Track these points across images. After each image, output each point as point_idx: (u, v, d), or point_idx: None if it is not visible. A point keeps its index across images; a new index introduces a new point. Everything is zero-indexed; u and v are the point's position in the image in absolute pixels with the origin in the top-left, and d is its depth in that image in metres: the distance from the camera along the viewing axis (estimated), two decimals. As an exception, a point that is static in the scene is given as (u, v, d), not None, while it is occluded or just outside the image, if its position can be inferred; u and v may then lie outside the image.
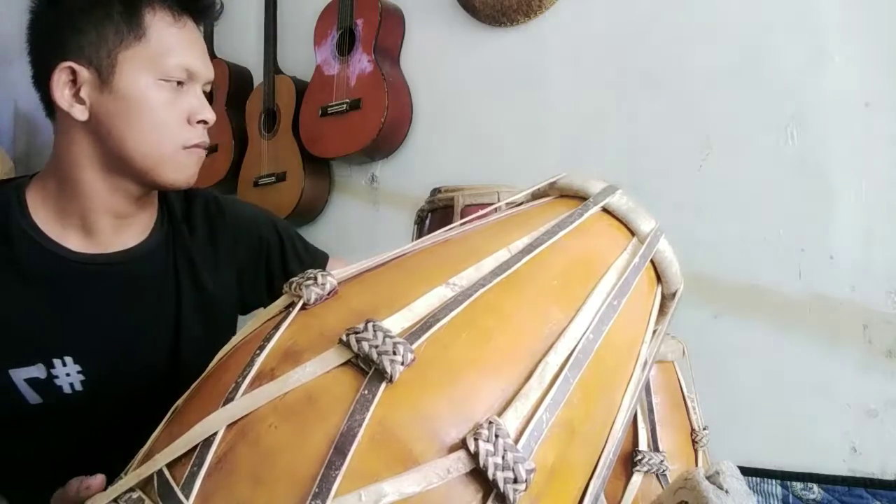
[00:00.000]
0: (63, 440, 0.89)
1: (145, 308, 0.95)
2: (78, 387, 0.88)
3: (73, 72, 0.85)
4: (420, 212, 1.25)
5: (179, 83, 0.88)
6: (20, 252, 0.86)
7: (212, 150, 1.92)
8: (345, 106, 1.90)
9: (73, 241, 0.90)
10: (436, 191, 1.22)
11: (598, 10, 1.65)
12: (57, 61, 0.85)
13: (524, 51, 1.75)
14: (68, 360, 0.87)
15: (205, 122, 0.91)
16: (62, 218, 0.89)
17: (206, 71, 0.91)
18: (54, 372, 0.87)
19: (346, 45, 1.94)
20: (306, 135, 1.99)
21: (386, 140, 1.90)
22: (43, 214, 0.89)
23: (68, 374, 0.88)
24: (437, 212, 1.20)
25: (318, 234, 2.09)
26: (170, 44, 0.87)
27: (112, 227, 0.92)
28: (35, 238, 0.87)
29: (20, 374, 0.85)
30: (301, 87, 2.04)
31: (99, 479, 0.60)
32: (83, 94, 0.85)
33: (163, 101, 0.87)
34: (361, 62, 1.90)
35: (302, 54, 2.09)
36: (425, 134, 1.92)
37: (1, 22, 2.70)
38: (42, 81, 0.88)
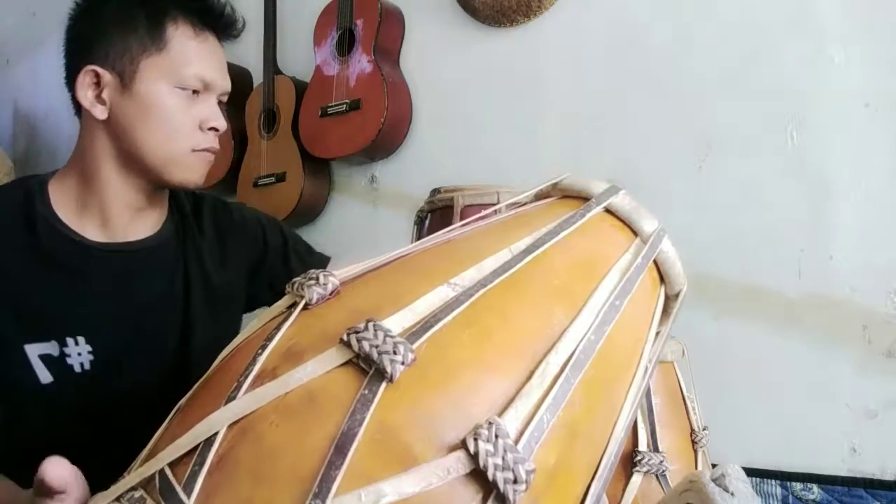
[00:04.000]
0: (70, 424, 0.93)
1: (155, 295, 1.01)
2: (87, 366, 0.94)
3: (97, 75, 0.93)
4: (420, 212, 1.25)
5: (195, 92, 0.96)
6: (41, 237, 0.93)
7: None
8: (344, 106, 1.90)
9: (91, 231, 0.97)
10: (435, 191, 1.22)
11: (597, 11, 1.65)
12: (83, 64, 0.93)
13: (524, 51, 1.75)
14: (80, 339, 0.93)
15: (215, 129, 0.98)
16: (81, 209, 0.97)
17: (223, 83, 0.99)
18: (67, 350, 0.92)
19: (346, 45, 1.94)
20: (306, 135, 1.99)
21: (386, 140, 1.90)
22: (63, 205, 0.96)
23: (80, 353, 0.93)
24: (437, 212, 1.20)
25: (317, 235, 2.10)
26: (188, 55, 0.95)
27: (127, 218, 0.99)
28: (55, 226, 0.94)
29: (35, 350, 0.91)
30: (301, 88, 2.04)
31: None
32: (105, 95, 0.94)
33: (177, 106, 0.94)
34: (361, 62, 1.90)
35: (302, 54, 2.09)
36: (425, 134, 1.92)
37: (1, 22, 2.70)
38: (71, 82, 0.96)
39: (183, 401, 0.55)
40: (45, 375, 0.91)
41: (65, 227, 0.95)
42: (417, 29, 1.96)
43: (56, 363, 0.92)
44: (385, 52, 1.92)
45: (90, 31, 0.96)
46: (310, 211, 2.07)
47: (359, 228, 2.03)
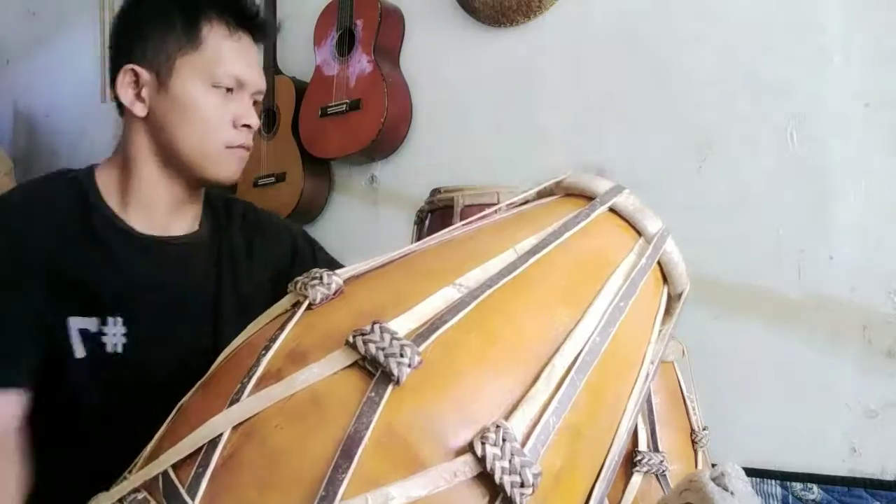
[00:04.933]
0: (96, 404, 0.95)
1: (190, 292, 1.04)
2: (119, 348, 0.96)
3: (136, 73, 0.97)
4: (420, 212, 1.24)
5: (229, 90, 0.99)
6: (95, 223, 0.98)
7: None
8: (344, 106, 1.90)
9: (136, 222, 1.01)
10: (435, 191, 1.22)
11: (597, 11, 1.65)
12: (123, 63, 0.98)
13: (524, 51, 1.75)
14: (119, 320, 0.96)
15: (248, 126, 1.01)
16: (125, 200, 1.01)
17: (256, 81, 1.02)
18: (105, 329, 0.95)
19: (346, 45, 1.93)
20: (306, 135, 1.99)
21: (386, 140, 1.90)
22: (109, 196, 1.00)
23: (115, 333, 0.96)
24: (437, 212, 1.20)
25: (318, 235, 2.07)
26: (223, 54, 0.98)
27: (167, 212, 1.03)
28: (106, 214, 0.99)
29: (76, 324, 0.94)
30: (301, 88, 2.04)
31: None
32: (143, 93, 0.98)
33: (212, 104, 0.98)
34: (361, 62, 1.90)
35: (302, 54, 2.08)
36: (425, 134, 1.92)
37: (1, 22, 2.69)
38: (114, 82, 1.00)
39: (184, 400, 0.54)
40: (80, 350, 0.94)
41: (115, 216, 0.99)
42: (417, 29, 1.96)
43: (92, 340, 0.94)
44: (385, 52, 1.92)
45: (129, 32, 1.00)
46: (310, 211, 2.06)
47: (359, 228, 2.02)
